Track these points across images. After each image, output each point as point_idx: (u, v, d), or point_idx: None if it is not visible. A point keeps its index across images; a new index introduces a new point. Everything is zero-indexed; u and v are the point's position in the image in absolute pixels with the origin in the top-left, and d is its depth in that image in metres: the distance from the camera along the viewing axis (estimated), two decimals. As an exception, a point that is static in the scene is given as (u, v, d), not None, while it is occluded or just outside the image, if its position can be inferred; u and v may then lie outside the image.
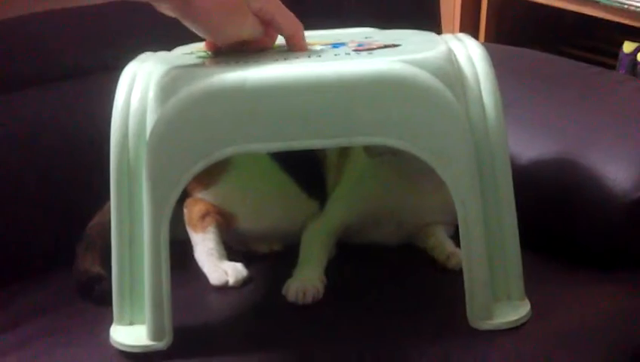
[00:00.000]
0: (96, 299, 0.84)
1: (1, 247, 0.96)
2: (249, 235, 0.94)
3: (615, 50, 1.88)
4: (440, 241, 0.93)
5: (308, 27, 0.82)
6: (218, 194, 0.92)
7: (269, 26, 0.78)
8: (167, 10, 0.74)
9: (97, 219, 0.93)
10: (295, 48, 0.80)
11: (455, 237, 0.92)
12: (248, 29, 0.76)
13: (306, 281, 0.85)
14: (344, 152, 0.95)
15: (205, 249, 0.90)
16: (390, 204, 0.93)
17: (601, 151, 0.95)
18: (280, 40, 0.82)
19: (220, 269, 0.89)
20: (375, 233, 0.95)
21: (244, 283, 0.88)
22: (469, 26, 2.04)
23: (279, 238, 0.95)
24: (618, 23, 1.79)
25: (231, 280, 0.88)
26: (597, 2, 1.80)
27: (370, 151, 0.89)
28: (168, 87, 0.74)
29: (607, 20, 1.81)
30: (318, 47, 0.81)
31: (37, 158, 0.99)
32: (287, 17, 0.79)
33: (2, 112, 0.99)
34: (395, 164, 0.90)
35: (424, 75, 0.73)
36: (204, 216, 0.91)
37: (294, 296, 0.84)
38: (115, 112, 0.78)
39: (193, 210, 0.92)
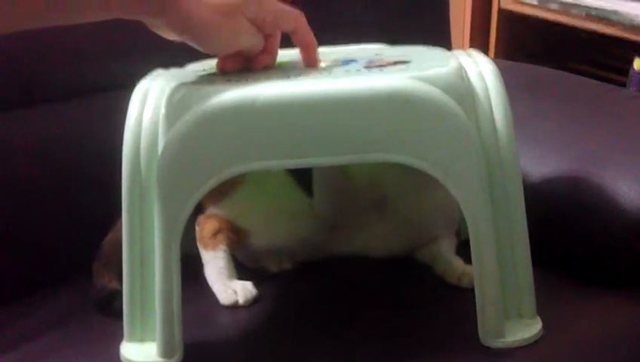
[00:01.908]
0: (114, 315, 0.84)
1: (14, 261, 0.97)
2: (261, 251, 0.94)
3: (626, 67, 1.87)
4: (449, 261, 0.92)
5: (317, 43, 0.82)
6: (231, 208, 0.92)
7: (268, 40, 0.78)
8: (164, 30, 0.73)
9: (112, 235, 0.93)
10: (302, 41, 0.79)
11: (460, 252, 0.93)
12: (245, 36, 0.75)
13: None
14: None
15: (215, 268, 0.90)
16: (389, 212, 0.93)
17: (614, 168, 0.95)
18: (289, 57, 0.83)
19: (229, 289, 0.89)
20: (378, 244, 0.95)
21: (253, 302, 0.88)
22: (479, 42, 2.05)
23: (291, 254, 0.95)
24: (629, 40, 1.79)
25: (241, 300, 0.88)
26: (607, 19, 1.80)
27: None
28: (180, 105, 0.74)
29: (618, 37, 1.81)
30: (328, 64, 0.81)
31: (52, 173, 1.00)
32: (285, 13, 0.78)
33: (20, 127, 1.00)
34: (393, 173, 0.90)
35: (435, 92, 0.73)
36: (215, 234, 0.91)
37: None
38: (127, 129, 0.78)
39: (205, 228, 0.92)
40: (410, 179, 0.90)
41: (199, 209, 0.93)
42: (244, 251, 0.94)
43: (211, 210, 0.93)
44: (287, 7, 0.79)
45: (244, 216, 0.93)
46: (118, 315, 0.81)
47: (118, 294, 0.84)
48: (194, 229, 0.92)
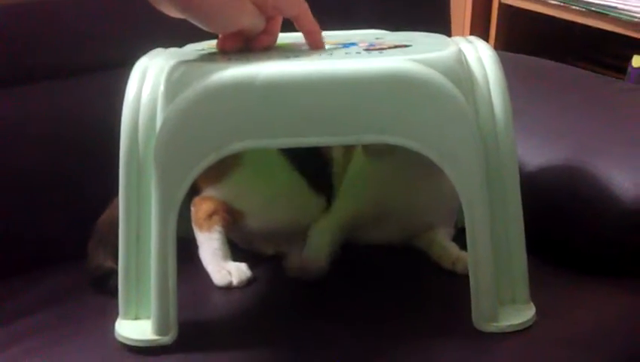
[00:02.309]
0: (110, 293, 0.84)
1: (13, 238, 0.97)
2: (256, 233, 0.95)
3: (624, 65, 1.88)
4: (444, 247, 0.93)
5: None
6: (227, 191, 0.92)
7: (269, 22, 0.78)
8: (166, 7, 0.73)
9: (107, 213, 0.93)
10: (306, 28, 0.79)
11: (456, 240, 0.93)
12: (247, 16, 0.75)
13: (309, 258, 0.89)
14: (348, 151, 0.95)
15: (210, 249, 0.90)
16: (388, 203, 0.93)
17: (610, 158, 0.95)
18: (290, 39, 0.83)
19: (223, 270, 0.89)
20: (376, 232, 0.95)
21: (247, 283, 0.88)
22: (479, 37, 2.05)
23: (285, 238, 0.95)
24: (627, 37, 1.79)
25: (235, 281, 0.88)
26: (606, 15, 1.80)
27: (370, 150, 0.89)
28: (179, 82, 0.74)
29: (617, 34, 1.81)
30: (328, 47, 0.82)
31: (51, 151, 1.00)
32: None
33: (17, 105, 0.99)
34: (394, 164, 0.90)
35: (435, 75, 0.73)
36: (210, 215, 0.91)
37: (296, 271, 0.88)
38: (125, 107, 0.79)
39: (200, 209, 0.92)
40: (411, 174, 0.91)
41: (195, 190, 0.93)
42: (239, 233, 0.94)
43: (207, 191, 0.93)
44: None
45: (241, 198, 0.93)
46: (114, 293, 0.81)
47: (113, 272, 0.85)
48: (189, 212, 0.92)
